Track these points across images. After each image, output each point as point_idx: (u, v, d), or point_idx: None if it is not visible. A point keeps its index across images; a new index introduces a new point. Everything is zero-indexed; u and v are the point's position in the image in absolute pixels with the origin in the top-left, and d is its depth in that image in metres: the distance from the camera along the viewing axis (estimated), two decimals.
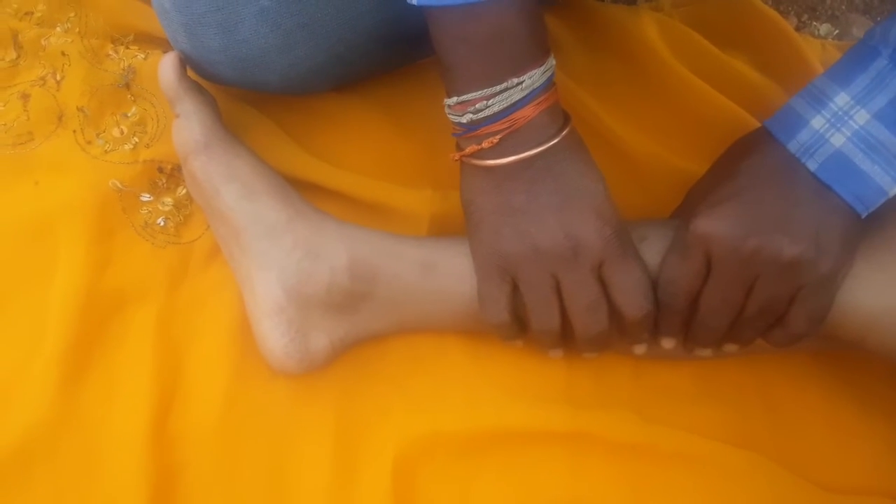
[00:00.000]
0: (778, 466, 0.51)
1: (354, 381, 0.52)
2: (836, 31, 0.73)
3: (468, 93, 0.43)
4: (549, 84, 0.45)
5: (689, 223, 0.46)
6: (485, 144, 0.44)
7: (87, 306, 0.51)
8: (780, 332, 0.47)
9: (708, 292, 0.46)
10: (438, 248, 0.51)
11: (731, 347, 0.50)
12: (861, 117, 0.44)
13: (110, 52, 0.61)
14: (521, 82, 0.43)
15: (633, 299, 0.46)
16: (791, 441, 0.53)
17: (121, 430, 0.48)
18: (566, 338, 0.48)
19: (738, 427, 0.53)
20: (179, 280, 0.54)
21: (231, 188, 0.50)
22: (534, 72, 0.43)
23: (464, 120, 0.44)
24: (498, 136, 0.44)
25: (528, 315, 0.47)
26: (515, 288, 0.47)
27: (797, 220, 0.44)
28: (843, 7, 0.75)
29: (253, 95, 0.58)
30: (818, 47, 0.70)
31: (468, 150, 0.45)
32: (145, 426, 0.48)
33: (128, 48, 0.62)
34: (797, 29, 0.73)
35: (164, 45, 0.61)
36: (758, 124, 0.60)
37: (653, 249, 0.48)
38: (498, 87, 0.43)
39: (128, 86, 0.59)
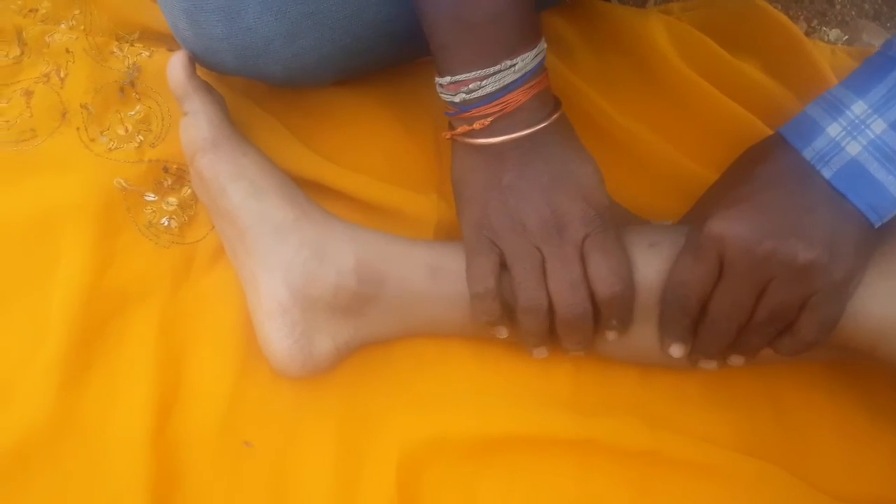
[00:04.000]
0: (788, 475, 0.50)
1: (359, 384, 0.52)
2: (846, 37, 0.73)
3: (462, 73, 0.44)
4: (541, 68, 0.46)
5: (702, 225, 0.45)
6: (476, 125, 0.45)
7: (89, 306, 0.51)
8: (788, 339, 0.46)
9: (718, 295, 0.46)
10: (447, 252, 0.51)
11: (736, 360, 0.49)
12: (878, 126, 0.44)
13: (115, 50, 0.61)
14: (514, 64, 0.44)
15: (605, 277, 0.46)
16: (801, 449, 0.53)
17: (122, 432, 0.48)
18: (551, 331, 0.48)
19: (747, 434, 0.53)
20: (182, 280, 0.54)
21: (238, 186, 0.50)
22: (526, 54, 0.44)
23: (456, 100, 0.45)
24: (489, 119, 0.45)
25: (514, 292, 0.47)
26: (503, 269, 0.47)
27: (812, 226, 0.43)
28: (853, 13, 0.74)
29: (259, 94, 0.57)
30: (828, 52, 0.70)
31: (460, 129, 0.47)
32: (147, 428, 0.48)
33: (132, 46, 0.61)
34: (807, 34, 0.72)
35: (170, 43, 0.61)
36: (767, 129, 0.60)
37: (663, 255, 0.48)
38: (491, 69, 0.44)
39: (132, 84, 0.59)
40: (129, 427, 0.48)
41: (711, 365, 0.50)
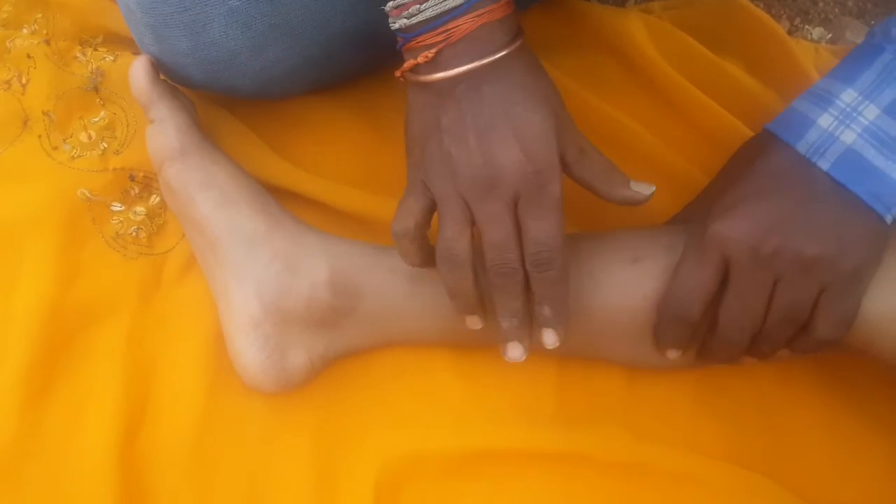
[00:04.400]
0: (775, 485, 0.50)
1: (334, 397, 0.51)
2: (830, 35, 0.72)
3: None
4: None
5: (703, 229, 0.44)
6: (420, 59, 0.42)
7: (53, 321, 0.50)
8: (804, 339, 0.45)
9: (727, 302, 0.44)
10: None
11: (749, 360, 0.48)
12: (870, 112, 0.43)
13: (78, 55, 0.60)
14: None
15: (533, 241, 0.42)
16: (790, 458, 0.52)
17: (88, 452, 0.47)
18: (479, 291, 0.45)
19: (735, 444, 0.52)
20: (151, 293, 0.53)
21: (207, 196, 0.49)
22: None
23: (398, 25, 0.42)
24: (433, 50, 0.42)
25: (438, 235, 0.44)
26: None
27: (816, 219, 0.42)
28: (836, 10, 0.74)
29: (228, 101, 0.57)
30: (811, 51, 0.69)
31: (406, 64, 0.43)
32: (114, 447, 0.47)
33: (96, 50, 0.60)
34: (790, 33, 0.72)
35: (135, 47, 0.60)
36: (747, 130, 0.60)
37: (647, 273, 0.47)
38: None
39: (96, 89, 0.58)
40: (95, 446, 0.47)
41: (722, 365, 0.49)
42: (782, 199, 0.43)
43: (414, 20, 0.41)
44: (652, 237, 0.49)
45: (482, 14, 0.41)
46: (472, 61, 0.41)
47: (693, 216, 0.50)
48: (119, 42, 0.61)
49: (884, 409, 0.53)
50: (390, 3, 0.42)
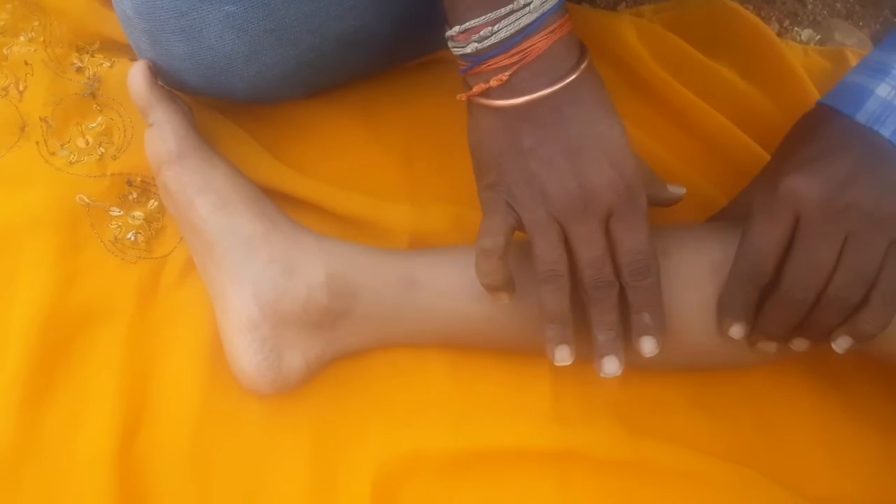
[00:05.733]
0: (769, 480, 0.50)
1: (331, 398, 0.51)
2: (818, 37, 0.73)
3: (471, 19, 0.40)
4: (561, 9, 0.41)
5: (774, 187, 0.43)
6: (493, 82, 0.41)
7: (52, 325, 0.50)
8: (867, 312, 0.43)
9: (795, 258, 0.43)
10: (421, 263, 0.50)
11: (801, 343, 0.46)
12: None
13: (75, 61, 0.60)
14: (529, 3, 0.39)
15: (629, 252, 0.43)
16: (783, 455, 0.52)
17: (86, 455, 0.47)
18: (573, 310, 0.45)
19: (729, 440, 0.52)
20: (150, 296, 0.53)
21: (205, 199, 0.49)
22: None
23: (468, 50, 0.41)
24: (508, 72, 0.41)
25: (534, 263, 0.44)
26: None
27: (885, 177, 0.42)
28: (825, 12, 0.75)
29: (227, 105, 0.57)
30: (801, 52, 0.70)
31: (476, 88, 0.42)
32: (112, 450, 0.47)
33: (93, 56, 0.61)
34: (779, 34, 0.73)
35: (131, 53, 0.60)
36: (738, 130, 0.60)
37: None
38: (503, 10, 0.39)
39: (93, 95, 0.58)
40: (93, 448, 0.47)
41: (771, 347, 0.47)
42: (851, 158, 0.43)
43: (486, 43, 0.41)
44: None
45: (554, 30, 0.41)
46: (550, 84, 0.41)
47: (758, 187, 0.49)
48: (116, 48, 0.61)
49: (874, 407, 0.54)
50: (455, 28, 0.41)
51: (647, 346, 0.45)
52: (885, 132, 0.43)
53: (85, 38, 0.62)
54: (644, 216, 0.43)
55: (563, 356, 0.45)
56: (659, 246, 0.47)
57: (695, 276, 0.47)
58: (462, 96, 0.44)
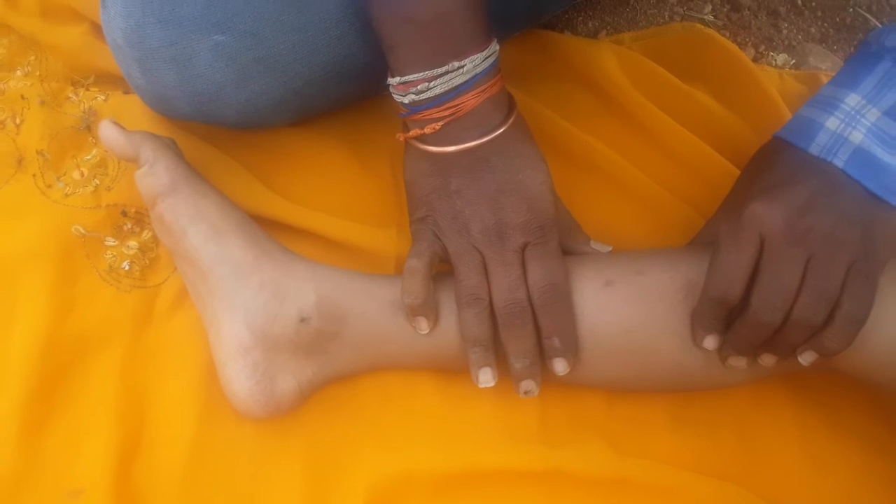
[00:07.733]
0: (753, 495, 0.51)
1: (324, 420, 0.52)
2: (794, 61, 0.74)
3: (410, 74, 0.44)
4: (493, 71, 0.46)
5: (739, 214, 0.45)
6: (427, 130, 0.46)
7: (49, 353, 0.50)
8: (831, 329, 0.44)
9: (762, 282, 0.44)
10: None
11: (768, 359, 0.48)
12: (872, 115, 0.45)
13: (70, 95, 0.61)
14: (463, 66, 0.44)
15: (540, 282, 0.46)
16: (765, 470, 0.53)
17: (84, 481, 0.47)
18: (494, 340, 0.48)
19: (712, 457, 0.53)
20: (144, 325, 0.54)
21: (198, 229, 0.50)
22: (475, 56, 0.44)
23: (406, 101, 0.45)
24: (441, 123, 0.45)
25: (456, 287, 0.48)
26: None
27: (842, 203, 0.44)
28: (800, 37, 0.76)
29: (215, 134, 0.57)
30: (776, 77, 0.71)
31: (412, 133, 0.47)
32: (109, 476, 0.47)
33: (88, 90, 0.61)
34: (755, 59, 0.74)
35: (126, 85, 0.61)
36: (716, 153, 0.61)
37: (618, 296, 0.48)
38: (439, 70, 0.44)
39: (88, 128, 0.59)
40: (90, 476, 0.47)
41: (741, 363, 0.48)
42: (808, 186, 0.45)
43: (423, 96, 0.45)
44: (625, 261, 0.50)
45: (485, 89, 0.45)
46: (479, 136, 0.46)
47: (719, 220, 0.51)
48: (110, 81, 0.62)
49: (855, 421, 0.55)
50: (397, 79, 0.45)
51: (559, 366, 0.48)
52: (838, 163, 0.45)
53: (80, 72, 0.63)
54: (556, 251, 0.47)
55: (486, 378, 0.48)
56: (635, 265, 0.49)
57: (668, 294, 0.48)
58: (400, 136, 0.48)
